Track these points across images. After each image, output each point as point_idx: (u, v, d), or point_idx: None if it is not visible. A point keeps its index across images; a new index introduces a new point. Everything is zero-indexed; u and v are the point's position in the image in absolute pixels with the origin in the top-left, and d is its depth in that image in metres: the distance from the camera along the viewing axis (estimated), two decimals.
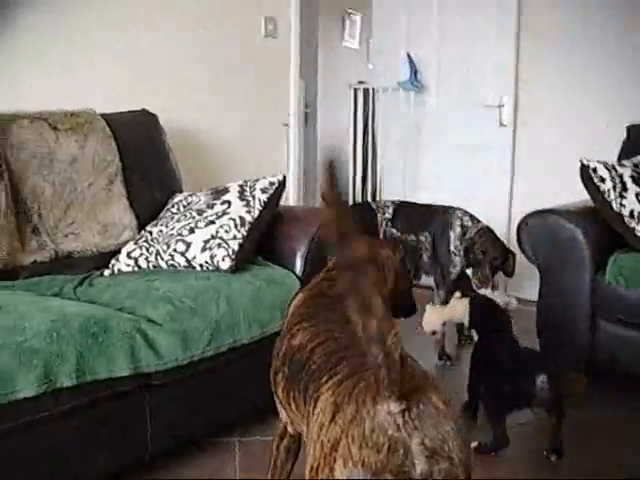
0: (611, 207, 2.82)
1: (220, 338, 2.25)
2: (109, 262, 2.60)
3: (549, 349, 2.84)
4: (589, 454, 2.43)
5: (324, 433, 1.21)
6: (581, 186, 2.93)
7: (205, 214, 2.56)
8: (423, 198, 3.80)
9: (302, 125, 4.16)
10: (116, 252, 2.64)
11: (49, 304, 2.05)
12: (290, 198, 3.98)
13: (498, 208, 4.13)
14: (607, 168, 2.88)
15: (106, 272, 2.56)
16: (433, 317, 3.13)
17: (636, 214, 2.79)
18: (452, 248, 3.28)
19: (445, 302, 3.33)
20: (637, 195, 2.82)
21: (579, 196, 2.99)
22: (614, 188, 2.84)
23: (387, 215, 3.41)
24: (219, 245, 2.46)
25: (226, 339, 2.28)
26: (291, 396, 1.50)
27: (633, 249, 2.78)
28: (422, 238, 3.36)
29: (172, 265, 2.49)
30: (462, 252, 3.23)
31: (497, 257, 3.18)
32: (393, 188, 4.52)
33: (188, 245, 2.47)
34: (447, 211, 3.36)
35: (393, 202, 3.49)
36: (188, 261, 2.47)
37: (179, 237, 2.50)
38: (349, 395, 1.21)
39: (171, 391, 2.16)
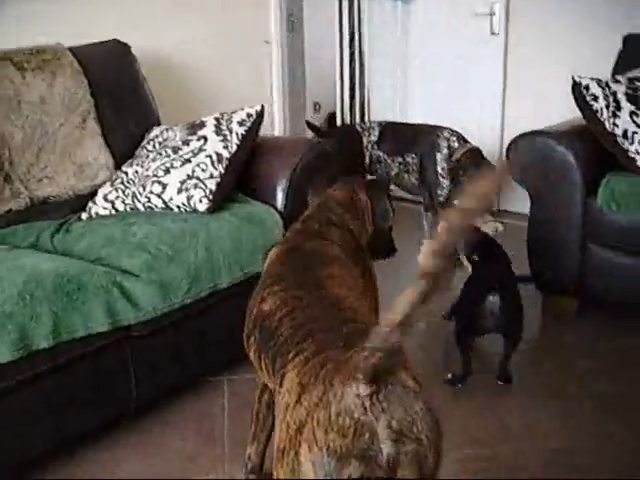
0: (604, 127, 2.71)
1: (200, 284, 2.22)
2: (86, 205, 2.54)
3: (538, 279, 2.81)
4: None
5: (290, 414, 1.18)
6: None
7: (181, 152, 2.47)
8: (412, 114, 3.68)
9: (285, 38, 3.95)
10: (93, 194, 2.57)
11: (22, 261, 2.00)
12: (275, 118, 3.85)
13: (489, 119, 3.99)
14: (600, 85, 2.75)
15: (83, 216, 2.50)
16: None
17: (629, 134, 2.68)
18: (439, 170, 3.20)
19: (434, 225, 3.29)
20: (631, 114, 2.70)
21: (572, 104, 2.85)
22: (607, 107, 2.72)
23: (373, 137, 3.30)
24: (195, 186, 2.38)
25: (206, 284, 2.24)
26: (262, 361, 1.48)
27: (625, 170, 2.70)
28: (409, 160, 3.26)
29: (149, 207, 2.43)
30: (449, 175, 3.14)
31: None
32: (381, 103, 4.37)
33: (164, 186, 2.40)
34: (434, 131, 3.25)
35: (379, 123, 3.37)
36: (165, 203, 2.41)
37: (155, 178, 2.42)
38: (315, 376, 1.18)
39: (152, 340, 2.15)
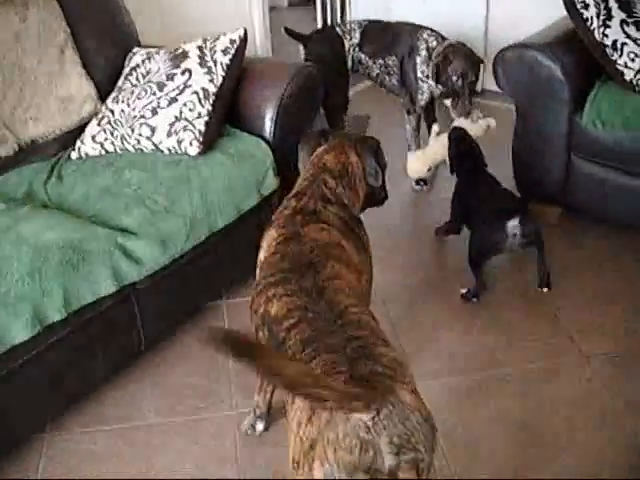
0: (593, 36, 2.66)
1: (197, 231, 2.28)
2: (74, 141, 2.53)
3: (522, 187, 2.88)
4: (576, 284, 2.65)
5: (302, 431, 1.32)
6: None
7: (166, 89, 2.43)
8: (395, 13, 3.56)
9: None
10: (80, 128, 2.55)
11: (22, 231, 2.03)
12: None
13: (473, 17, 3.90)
14: None
15: (73, 155, 2.50)
16: (417, 165, 3.12)
17: (619, 45, 2.63)
18: (419, 74, 3.13)
19: (416, 128, 3.29)
20: (622, 23, 2.65)
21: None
22: (598, 15, 2.65)
23: (354, 40, 3.20)
24: (185, 128, 2.36)
25: (202, 230, 2.30)
26: None
27: (612, 80, 2.69)
28: (389, 62, 3.19)
29: (139, 149, 2.43)
30: (433, 76, 3.07)
31: (476, 79, 3.05)
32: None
33: (153, 130, 2.38)
34: (414, 33, 3.14)
35: (360, 24, 3.24)
36: (155, 145, 2.40)
37: (142, 120, 2.40)
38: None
39: (155, 289, 2.23)
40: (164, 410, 2.23)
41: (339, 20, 4.49)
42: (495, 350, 2.37)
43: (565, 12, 2.72)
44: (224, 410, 2.21)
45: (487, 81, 3.84)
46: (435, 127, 3.15)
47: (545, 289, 2.59)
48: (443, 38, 3.12)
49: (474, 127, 3.01)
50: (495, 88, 2.93)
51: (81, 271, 1.98)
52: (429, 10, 3.87)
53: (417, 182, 3.29)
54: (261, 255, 1.76)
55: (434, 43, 3.09)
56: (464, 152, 2.79)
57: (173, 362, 2.40)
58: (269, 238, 1.76)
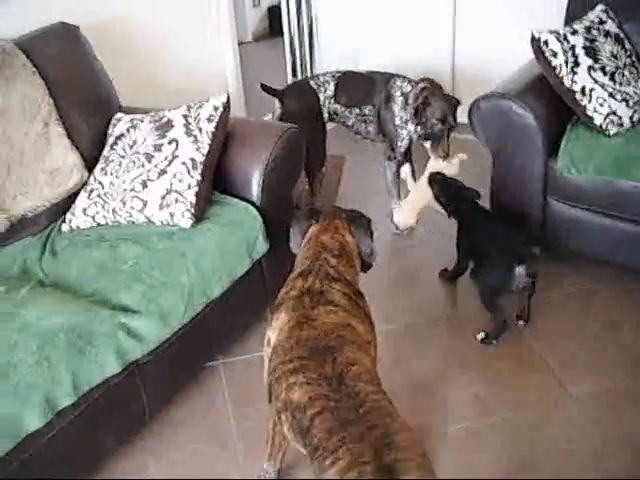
0: (563, 83, 2.78)
1: (194, 303, 2.32)
2: (62, 213, 2.56)
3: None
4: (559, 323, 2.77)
5: None
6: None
7: (154, 160, 2.47)
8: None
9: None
10: (67, 199, 2.58)
11: (25, 317, 2.05)
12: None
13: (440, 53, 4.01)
14: (559, 40, 2.78)
15: (64, 227, 2.53)
16: (406, 216, 3.19)
17: (587, 91, 2.75)
18: (397, 121, 3.20)
19: (397, 174, 3.37)
20: (589, 69, 2.76)
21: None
22: (566, 63, 2.76)
23: (329, 92, 3.25)
24: (176, 200, 2.41)
25: (200, 301, 2.35)
26: (298, 440, 1.65)
27: (584, 124, 2.81)
28: (366, 111, 3.26)
29: (131, 222, 2.47)
30: (412, 119, 3.14)
31: (454, 121, 3.12)
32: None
33: (145, 203, 2.42)
34: (386, 81, 3.22)
35: (333, 76, 3.29)
36: (147, 218, 2.44)
37: (133, 193, 2.44)
38: None
39: (157, 361, 2.26)
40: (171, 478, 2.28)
41: (307, 57, 4.57)
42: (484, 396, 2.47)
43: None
44: (231, 475, 2.26)
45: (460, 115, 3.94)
46: (406, 167, 3.25)
47: (522, 322, 2.74)
48: (416, 82, 3.20)
49: (450, 168, 3.09)
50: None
51: (87, 355, 2.01)
52: (397, 54, 3.97)
53: (397, 226, 3.37)
54: (272, 338, 1.82)
55: (408, 88, 3.17)
56: (454, 194, 2.89)
57: (177, 428, 2.45)
58: (280, 322, 1.82)
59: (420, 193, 3.06)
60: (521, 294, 2.69)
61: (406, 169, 3.26)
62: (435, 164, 3.09)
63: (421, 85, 3.16)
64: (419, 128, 3.16)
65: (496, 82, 2.91)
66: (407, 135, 3.23)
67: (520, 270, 2.54)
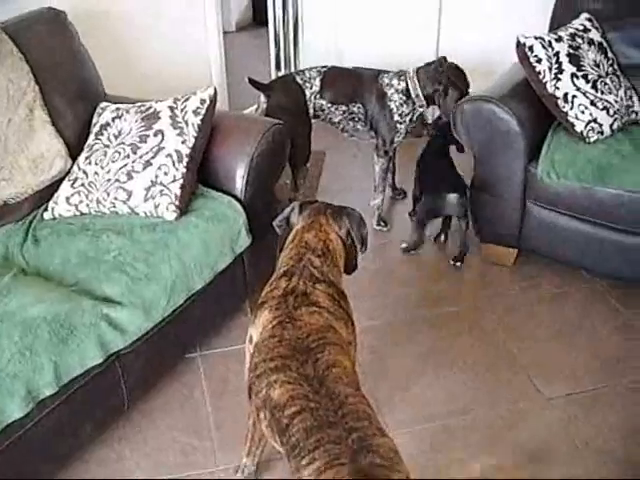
0: (546, 88, 2.82)
1: (176, 295, 2.33)
2: (45, 200, 2.55)
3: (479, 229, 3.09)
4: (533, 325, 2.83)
5: None
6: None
7: (140, 152, 2.47)
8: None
9: None
10: (50, 187, 2.57)
11: (8, 306, 2.05)
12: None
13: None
14: (544, 46, 2.82)
15: (46, 215, 2.52)
16: None
17: (569, 98, 2.80)
18: (397, 118, 3.23)
19: (386, 170, 3.39)
20: (572, 76, 2.81)
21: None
22: (550, 69, 2.81)
23: (315, 88, 3.25)
24: (161, 192, 2.41)
25: (182, 293, 2.35)
26: (275, 438, 1.67)
27: (565, 130, 2.86)
28: (354, 109, 3.27)
29: (114, 212, 2.47)
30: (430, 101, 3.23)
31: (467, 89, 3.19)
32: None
33: (129, 194, 2.42)
34: (375, 79, 3.24)
35: (319, 71, 3.28)
36: (131, 209, 2.44)
37: (118, 183, 2.44)
38: None
39: (137, 352, 2.27)
40: (148, 468, 2.29)
41: (292, 50, 4.56)
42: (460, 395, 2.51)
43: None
44: (207, 467, 2.29)
45: None
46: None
47: (458, 263, 3.15)
48: (403, 72, 3.22)
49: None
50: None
51: (70, 345, 2.02)
52: (382, 50, 3.98)
53: (378, 222, 3.40)
54: (255, 335, 1.84)
55: (402, 85, 3.19)
56: (440, 133, 3.25)
57: (156, 417, 2.46)
58: (263, 320, 1.84)
59: None
60: (459, 231, 3.14)
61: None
62: None
63: (406, 71, 3.22)
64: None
65: (480, 81, 2.96)
66: (404, 129, 3.26)
67: (451, 197, 3.00)
